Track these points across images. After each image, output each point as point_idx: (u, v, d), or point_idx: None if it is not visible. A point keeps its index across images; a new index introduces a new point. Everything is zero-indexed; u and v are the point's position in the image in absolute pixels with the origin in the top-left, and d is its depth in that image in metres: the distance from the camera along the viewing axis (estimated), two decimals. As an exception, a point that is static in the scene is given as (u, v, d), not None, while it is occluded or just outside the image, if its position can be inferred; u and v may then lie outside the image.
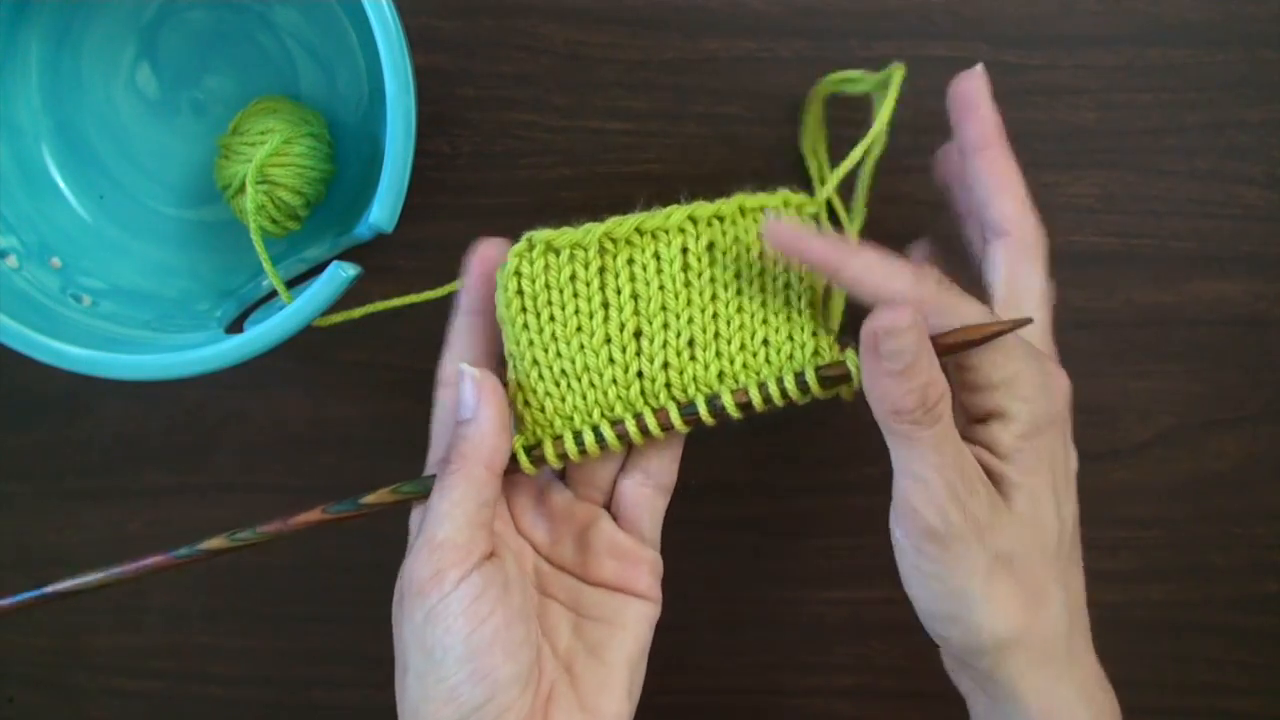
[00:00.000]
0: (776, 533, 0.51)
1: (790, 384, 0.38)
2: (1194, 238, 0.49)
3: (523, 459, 0.38)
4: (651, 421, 0.38)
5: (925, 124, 0.48)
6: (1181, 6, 0.48)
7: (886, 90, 0.42)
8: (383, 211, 0.41)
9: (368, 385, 0.50)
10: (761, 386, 0.38)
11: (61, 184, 0.48)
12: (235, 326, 0.47)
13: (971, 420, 0.37)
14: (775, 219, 0.38)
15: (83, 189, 0.48)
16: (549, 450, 0.38)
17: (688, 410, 0.38)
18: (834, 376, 0.38)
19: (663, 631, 0.52)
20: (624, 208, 0.49)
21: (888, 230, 0.49)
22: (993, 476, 0.36)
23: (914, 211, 0.49)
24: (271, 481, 0.51)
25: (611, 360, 0.39)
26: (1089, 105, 0.48)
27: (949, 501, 0.34)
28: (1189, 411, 0.50)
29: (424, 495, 0.38)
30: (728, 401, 0.38)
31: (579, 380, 0.39)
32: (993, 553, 0.34)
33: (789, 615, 0.52)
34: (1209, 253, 0.49)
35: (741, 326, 0.39)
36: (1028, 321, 0.36)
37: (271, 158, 0.44)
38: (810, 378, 0.37)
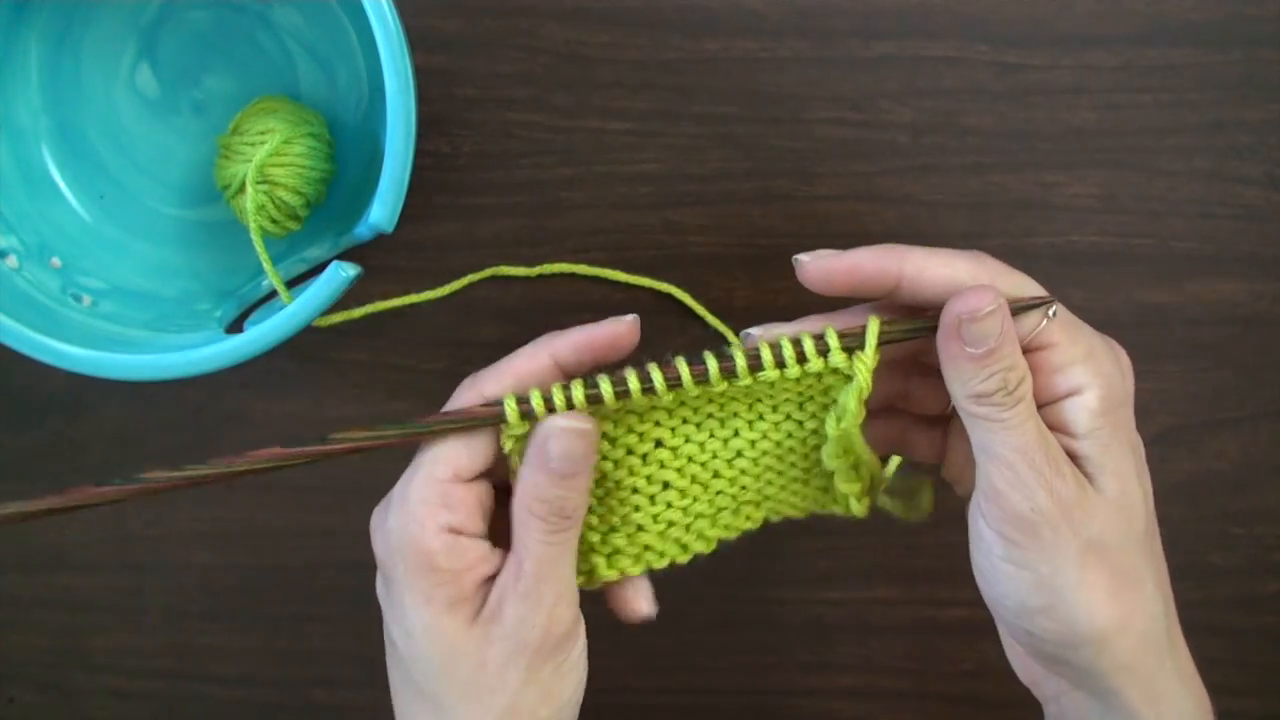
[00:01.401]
0: (776, 533, 0.51)
1: (808, 346, 0.34)
2: (1194, 238, 0.49)
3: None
4: (658, 377, 0.34)
5: (925, 124, 0.48)
6: (1181, 6, 0.48)
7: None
8: (383, 211, 0.41)
9: (368, 385, 0.50)
10: (774, 346, 0.34)
11: (61, 184, 0.48)
12: (235, 326, 0.47)
13: (1044, 404, 0.35)
14: (806, 259, 0.35)
15: (83, 189, 0.48)
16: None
17: (695, 361, 0.35)
18: (854, 335, 0.35)
19: (663, 631, 0.52)
20: (624, 207, 0.49)
21: (888, 230, 0.49)
22: (1075, 459, 0.34)
23: (914, 212, 0.49)
24: (271, 481, 0.51)
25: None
26: (1089, 105, 0.48)
27: (1037, 484, 0.33)
28: (1189, 411, 0.50)
29: (403, 439, 0.36)
30: (739, 360, 0.34)
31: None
32: (1084, 538, 0.33)
33: (789, 615, 0.52)
34: (1209, 253, 0.49)
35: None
36: (1048, 299, 0.35)
37: (271, 158, 0.44)
38: (831, 337, 0.34)
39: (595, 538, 0.38)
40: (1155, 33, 0.48)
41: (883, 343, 0.34)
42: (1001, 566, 0.34)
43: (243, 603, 0.52)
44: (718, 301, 0.49)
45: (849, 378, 0.35)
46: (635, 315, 0.36)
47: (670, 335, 0.50)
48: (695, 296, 0.49)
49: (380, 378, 0.50)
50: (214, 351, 0.41)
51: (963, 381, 0.33)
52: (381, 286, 0.49)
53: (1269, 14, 0.48)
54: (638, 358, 0.36)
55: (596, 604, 0.52)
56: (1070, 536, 0.33)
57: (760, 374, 0.34)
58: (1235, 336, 0.50)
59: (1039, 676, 0.38)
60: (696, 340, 0.50)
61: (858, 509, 0.39)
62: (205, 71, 0.47)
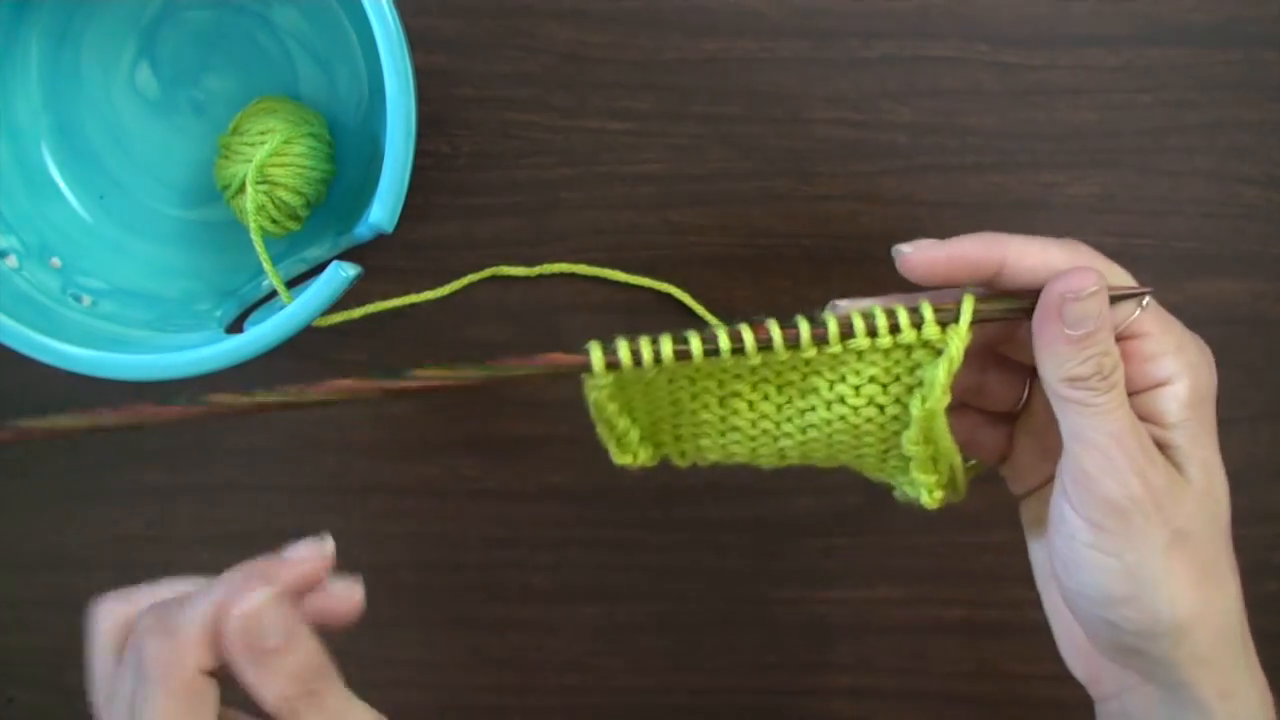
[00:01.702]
0: (776, 533, 0.51)
1: (903, 317, 0.34)
2: (1194, 238, 0.49)
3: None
4: (749, 336, 0.34)
5: (925, 124, 0.48)
6: (1181, 6, 0.48)
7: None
8: (383, 211, 0.41)
9: (368, 385, 0.50)
10: (867, 315, 0.34)
11: (61, 184, 0.48)
12: (235, 326, 0.47)
13: (1135, 393, 0.35)
14: (907, 249, 0.35)
15: (83, 189, 0.48)
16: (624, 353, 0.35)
17: (787, 325, 0.34)
18: (948, 309, 0.34)
19: (663, 631, 0.52)
20: (624, 207, 0.49)
21: (888, 231, 0.49)
22: (1163, 449, 0.34)
23: (914, 212, 0.49)
24: (271, 481, 0.51)
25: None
26: (1089, 105, 0.48)
27: (1129, 470, 0.33)
28: (1189, 411, 0.50)
29: (482, 380, 0.34)
30: (831, 326, 0.34)
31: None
32: (1172, 527, 0.33)
33: (789, 615, 0.52)
34: (1209, 253, 0.49)
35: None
36: (1147, 290, 0.35)
37: (271, 158, 0.44)
38: (927, 309, 0.34)
39: (666, 432, 0.38)
40: (1155, 33, 0.48)
41: (976, 320, 0.34)
42: (1086, 553, 0.34)
43: (243, 603, 0.52)
44: (718, 301, 0.49)
45: (939, 353, 0.34)
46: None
47: (670, 335, 0.50)
48: (695, 296, 0.49)
49: (380, 378, 0.50)
50: (214, 351, 0.41)
51: (1058, 364, 0.33)
52: (381, 286, 0.49)
53: (1269, 14, 0.48)
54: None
55: (597, 605, 0.52)
56: (1159, 525, 0.33)
57: (851, 342, 0.34)
58: (1235, 336, 0.50)
59: (1102, 673, 0.38)
60: (696, 340, 0.50)
61: (929, 500, 0.39)
62: (205, 71, 0.47)
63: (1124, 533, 0.33)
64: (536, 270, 0.49)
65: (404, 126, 0.40)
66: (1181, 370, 0.34)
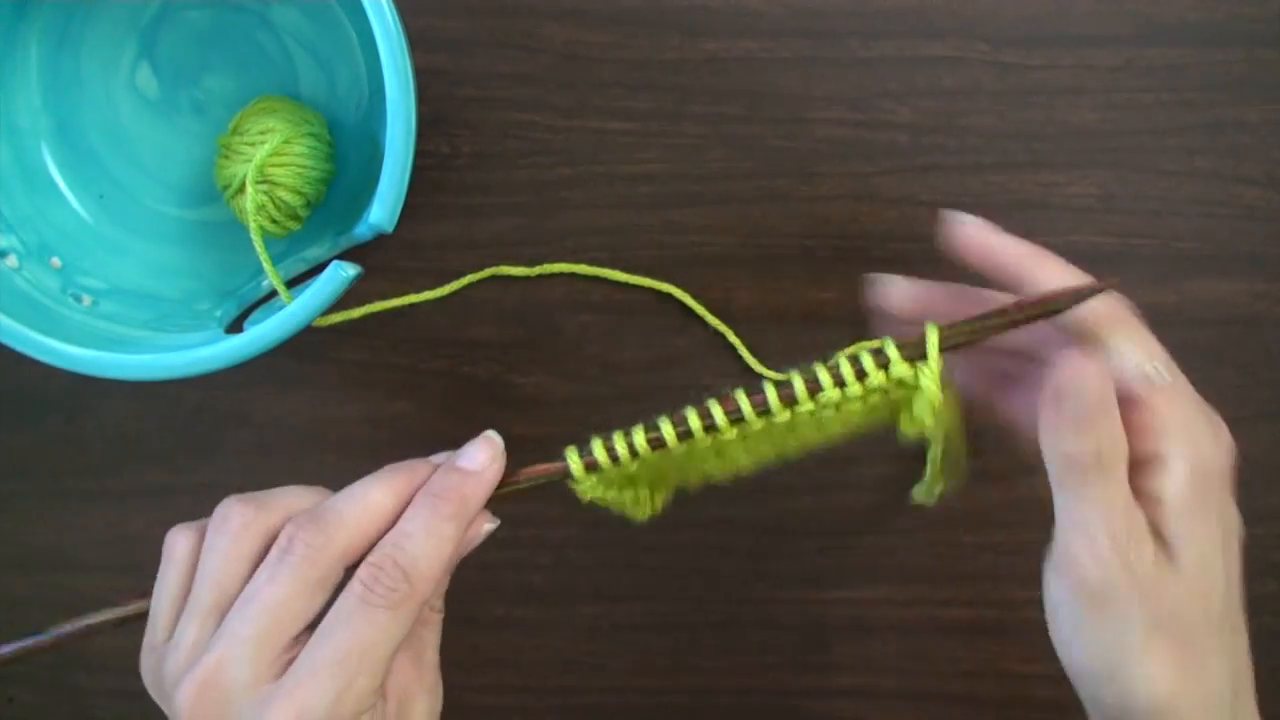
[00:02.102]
0: (776, 533, 0.51)
1: (867, 362, 0.33)
2: (1194, 238, 0.49)
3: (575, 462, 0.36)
4: (718, 410, 0.34)
5: (925, 124, 0.48)
6: (1181, 6, 0.48)
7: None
8: (383, 211, 0.41)
9: (368, 385, 0.50)
10: (831, 366, 0.34)
11: (61, 184, 0.48)
12: (235, 326, 0.47)
13: (1135, 467, 0.34)
14: (963, 222, 0.36)
15: (83, 189, 0.48)
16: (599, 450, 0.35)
17: (755, 392, 0.34)
18: (914, 345, 0.34)
19: (663, 631, 0.52)
20: (624, 207, 0.49)
21: (888, 231, 0.49)
22: (1157, 530, 0.33)
23: (914, 212, 0.49)
24: (272, 482, 0.51)
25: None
26: (1089, 105, 0.48)
27: (1114, 556, 0.32)
28: (1189, 411, 0.50)
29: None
30: (798, 385, 0.33)
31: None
32: (1154, 613, 0.32)
33: (789, 615, 0.52)
34: (1209, 253, 0.49)
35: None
36: (1104, 287, 0.35)
37: (271, 158, 0.44)
38: (890, 348, 0.33)
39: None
40: (1155, 33, 0.48)
41: (947, 348, 0.33)
42: (1067, 629, 0.34)
43: (243, 603, 0.52)
44: (718, 301, 0.49)
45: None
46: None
47: (670, 335, 0.50)
48: (695, 296, 0.49)
49: (380, 378, 0.50)
50: (214, 351, 0.41)
51: (1057, 439, 0.33)
52: (381, 286, 0.49)
53: (1269, 14, 0.48)
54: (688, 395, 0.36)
55: (597, 606, 0.52)
56: (1140, 610, 0.32)
57: (821, 396, 0.33)
58: (1235, 336, 0.50)
59: None
60: (697, 340, 0.50)
61: (926, 498, 0.38)
62: (205, 71, 0.47)
63: (1103, 615, 0.33)
64: (536, 270, 0.49)
65: (404, 126, 0.40)
66: (1183, 449, 0.33)
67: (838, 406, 0.34)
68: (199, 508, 0.52)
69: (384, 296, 0.49)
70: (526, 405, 0.50)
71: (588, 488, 0.35)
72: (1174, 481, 0.33)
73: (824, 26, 0.48)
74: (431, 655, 0.36)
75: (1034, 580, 0.53)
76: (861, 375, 0.33)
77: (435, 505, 0.34)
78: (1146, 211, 0.49)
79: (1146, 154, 0.49)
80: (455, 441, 0.51)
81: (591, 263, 0.49)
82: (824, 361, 0.35)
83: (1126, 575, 0.32)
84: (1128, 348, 0.34)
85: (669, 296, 0.49)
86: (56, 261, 0.47)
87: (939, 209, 0.49)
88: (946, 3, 0.48)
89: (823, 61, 0.48)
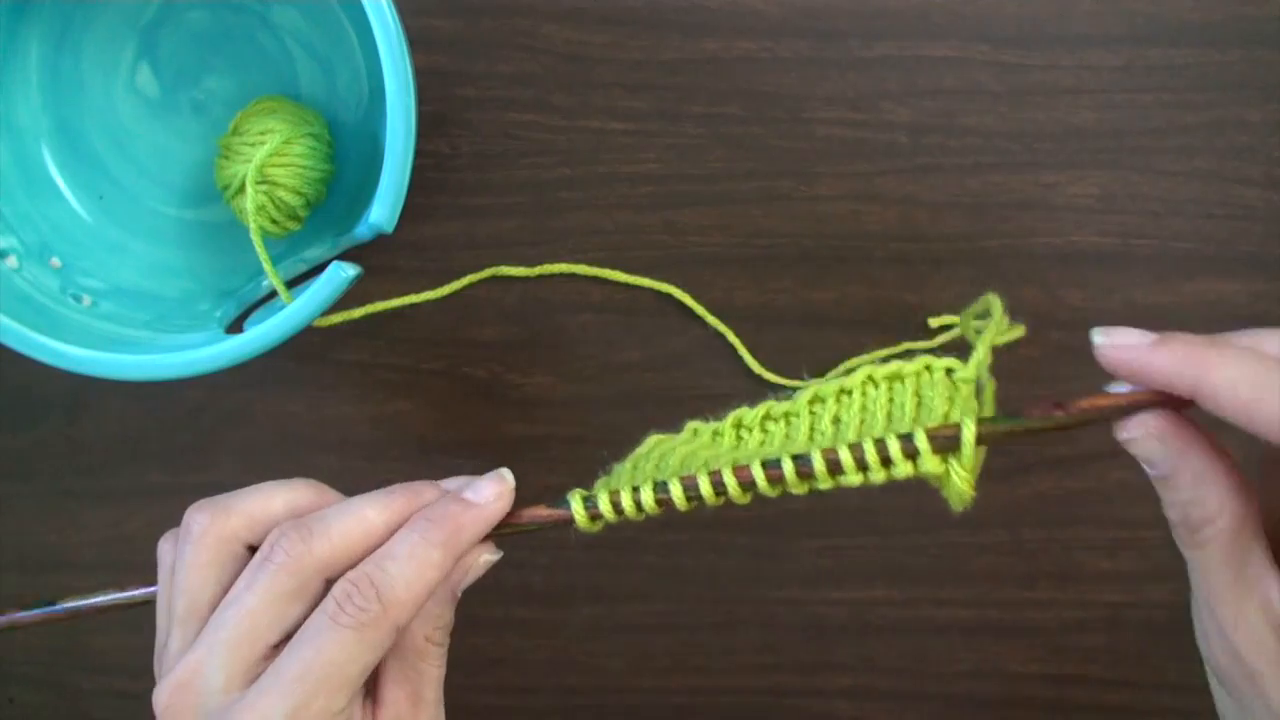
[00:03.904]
0: (776, 533, 0.51)
1: (894, 446, 0.30)
2: (1194, 238, 0.49)
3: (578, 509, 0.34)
4: (730, 480, 0.32)
5: (925, 124, 0.48)
6: (1181, 6, 0.48)
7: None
8: (383, 211, 0.41)
9: (368, 385, 0.51)
10: (854, 446, 0.31)
11: (61, 184, 0.48)
12: (235, 326, 0.47)
13: None
14: (1102, 339, 0.30)
15: (83, 189, 0.48)
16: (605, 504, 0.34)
17: (771, 466, 0.32)
18: (946, 437, 0.30)
19: (663, 631, 0.52)
20: (624, 207, 0.49)
21: (888, 231, 0.49)
22: None
23: (914, 212, 0.49)
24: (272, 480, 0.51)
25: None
26: (1089, 105, 0.48)
27: (1214, 636, 0.29)
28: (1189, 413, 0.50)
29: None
30: (816, 460, 0.31)
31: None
32: (1275, 709, 0.28)
33: (789, 615, 0.52)
34: (1209, 253, 0.49)
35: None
36: (1160, 400, 0.30)
37: (271, 158, 0.44)
38: (920, 439, 0.30)
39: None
40: (1155, 33, 0.48)
41: (984, 443, 0.30)
42: (1218, 705, 0.31)
43: (243, 603, 0.52)
44: (718, 301, 0.49)
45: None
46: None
47: (670, 335, 0.50)
48: (695, 296, 0.49)
49: (380, 378, 0.50)
50: (214, 351, 0.41)
51: (1162, 500, 0.30)
52: (381, 286, 0.49)
53: (1269, 14, 0.48)
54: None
55: (597, 606, 0.52)
56: (1259, 703, 0.28)
57: (841, 478, 0.31)
58: (1235, 336, 0.49)
59: None
60: (697, 340, 0.50)
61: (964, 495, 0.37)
62: (205, 71, 0.47)
63: (1223, 687, 0.30)
64: (536, 270, 0.49)
65: (404, 126, 0.40)
66: None
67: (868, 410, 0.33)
68: (199, 508, 0.52)
69: (384, 296, 0.49)
70: (526, 405, 0.50)
71: (586, 528, 0.34)
72: None
73: (824, 26, 0.48)
74: (430, 692, 0.34)
75: (1034, 580, 0.53)
76: (887, 462, 0.31)
77: (426, 530, 0.32)
78: (1146, 211, 0.49)
79: (1146, 154, 0.49)
80: (455, 442, 0.51)
81: (591, 263, 0.49)
82: (845, 390, 0.33)
83: (1233, 663, 0.29)
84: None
85: (669, 296, 0.49)
86: (56, 261, 0.47)
87: (939, 209, 0.49)
88: (947, 3, 0.48)
89: (823, 61, 0.48)
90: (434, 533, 0.32)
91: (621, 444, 0.36)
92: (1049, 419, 0.30)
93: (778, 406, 0.35)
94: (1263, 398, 0.27)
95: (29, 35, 0.47)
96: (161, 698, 0.31)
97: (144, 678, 0.55)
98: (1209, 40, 0.48)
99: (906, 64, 0.48)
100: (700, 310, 0.49)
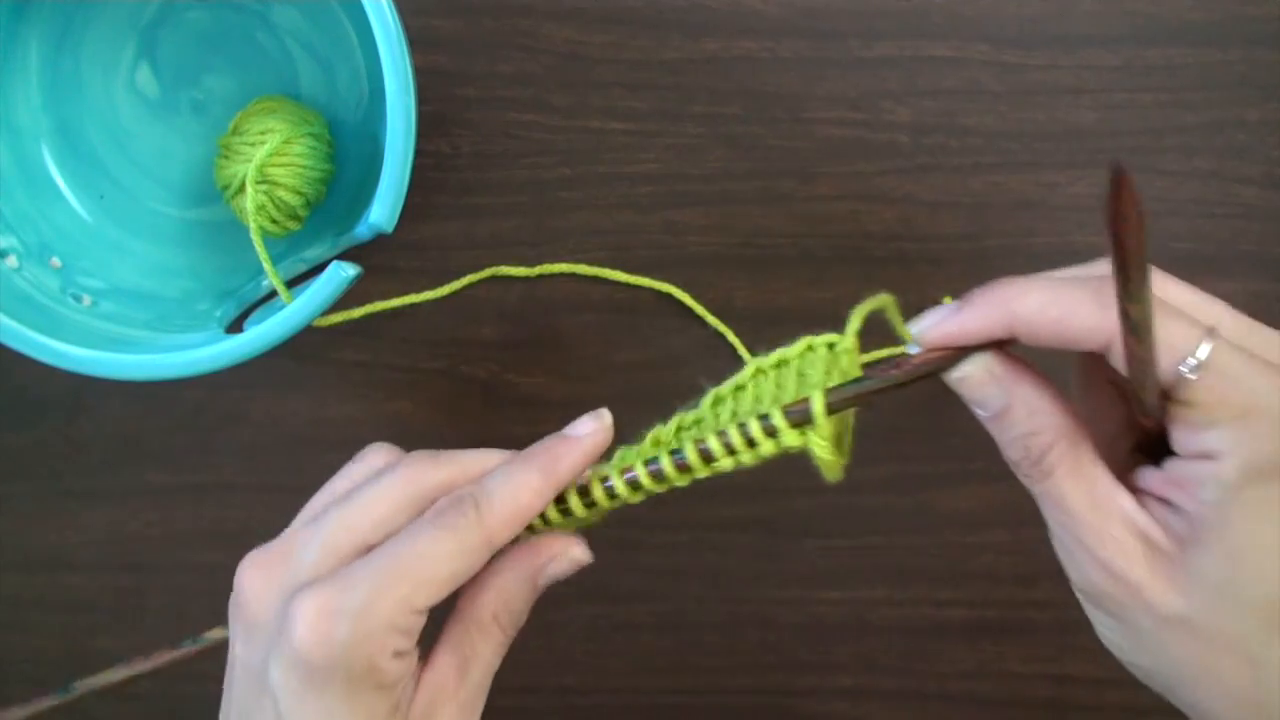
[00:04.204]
0: (776, 533, 0.51)
1: (754, 427, 0.32)
2: (1194, 238, 0.49)
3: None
4: (619, 482, 0.34)
5: (925, 124, 0.49)
6: (1181, 6, 0.48)
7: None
8: (383, 211, 0.41)
9: (368, 385, 0.51)
10: (721, 434, 0.33)
11: (61, 184, 0.48)
12: (235, 326, 0.47)
13: (1183, 459, 0.30)
14: (916, 330, 0.32)
15: (83, 189, 0.48)
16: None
17: (651, 464, 0.34)
18: (800, 411, 0.32)
19: (663, 631, 0.52)
20: (624, 207, 0.49)
21: (888, 231, 0.49)
22: (1195, 527, 0.29)
23: (914, 212, 0.49)
24: (271, 481, 0.51)
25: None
26: (1089, 105, 0.48)
27: (1087, 561, 0.29)
28: (1189, 411, 0.50)
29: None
30: (689, 452, 0.33)
31: None
32: (1159, 615, 0.29)
33: (789, 615, 0.52)
34: (1208, 252, 0.49)
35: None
36: (996, 346, 0.31)
37: (271, 158, 0.44)
38: (776, 417, 0.32)
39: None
40: (1155, 33, 0.48)
41: (836, 410, 0.32)
42: (1099, 631, 0.32)
43: (243, 603, 0.52)
44: (717, 301, 0.49)
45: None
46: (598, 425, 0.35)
47: (670, 335, 0.50)
48: (695, 296, 0.49)
49: (380, 378, 0.50)
50: (214, 351, 0.41)
51: (999, 443, 0.31)
52: (381, 286, 0.49)
53: (1269, 14, 0.48)
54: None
55: (597, 606, 0.52)
56: (1140, 612, 0.29)
57: (715, 464, 0.33)
58: (1235, 336, 0.49)
59: None
60: (696, 340, 0.50)
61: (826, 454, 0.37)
62: (205, 71, 0.47)
63: (1104, 613, 0.31)
64: (536, 270, 0.49)
65: (404, 126, 0.40)
66: (1233, 446, 0.28)
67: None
68: (199, 508, 0.52)
69: (384, 296, 0.49)
70: (525, 405, 0.50)
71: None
72: (1214, 480, 0.28)
73: (824, 26, 0.48)
74: (478, 674, 0.34)
75: (1034, 580, 0.53)
76: (752, 444, 0.33)
77: (526, 455, 0.34)
78: (1146, 211, 0.49)
79: (1146, 154, 0.49)
80: (454, 442, 0.51)
81: (591, 263, 0.49)
82: (739, 386, 0.35)
83: (1106, 580, 0.30)
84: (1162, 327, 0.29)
85: (669, 296, 0.49)
86: (56, 261, 0.47)
87: (939, 209, 0.49)
88: (947, 3, 0.48)
89: (823, 61, 0.48)
90: (533, 459, 0.34)
91: (621, 444, 0.36)
92: (888, 379, 0.32)
93: (687, 416, 0.36)
94: (1071, 310, 0.29)
95: (29, 35, 0.47)
96: (246, 563, 0.33)
97: (143, 678, 0.55)
98: (1209, 40, 0.48)
99: (906, 64, 0.48)
100: (700, 310, 0.49)
